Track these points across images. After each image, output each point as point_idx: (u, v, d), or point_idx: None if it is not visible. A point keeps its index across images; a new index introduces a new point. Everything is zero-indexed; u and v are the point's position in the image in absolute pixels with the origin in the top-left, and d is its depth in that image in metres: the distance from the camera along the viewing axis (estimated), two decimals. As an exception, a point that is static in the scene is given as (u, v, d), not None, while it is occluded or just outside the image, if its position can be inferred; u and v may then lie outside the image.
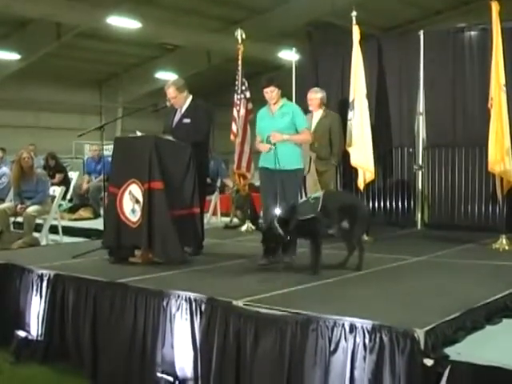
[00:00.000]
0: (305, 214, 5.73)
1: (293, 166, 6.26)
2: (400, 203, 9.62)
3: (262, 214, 6.74)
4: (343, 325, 3.88)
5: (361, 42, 8.44)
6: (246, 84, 9.45)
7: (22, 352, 5.72)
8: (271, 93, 6.36)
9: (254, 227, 9.43)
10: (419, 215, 9.45)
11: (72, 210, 12.27)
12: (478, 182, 8.83)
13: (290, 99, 9.80)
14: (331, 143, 8.40)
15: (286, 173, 6.22)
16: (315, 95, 8.49)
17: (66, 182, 12.48)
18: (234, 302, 4.51)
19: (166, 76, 20.46)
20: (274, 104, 6.42)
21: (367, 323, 3.81)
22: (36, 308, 5.82)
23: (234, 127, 9.34)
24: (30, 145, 13.90)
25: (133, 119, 12.16)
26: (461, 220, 9.03)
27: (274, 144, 6.29)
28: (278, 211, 6.30)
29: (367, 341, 3.76)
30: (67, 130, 21.02)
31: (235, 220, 10.41)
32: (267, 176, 6.44)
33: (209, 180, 9.26)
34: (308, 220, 5.71)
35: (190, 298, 4.72)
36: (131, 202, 6.42)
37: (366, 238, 6.75)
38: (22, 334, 5.82)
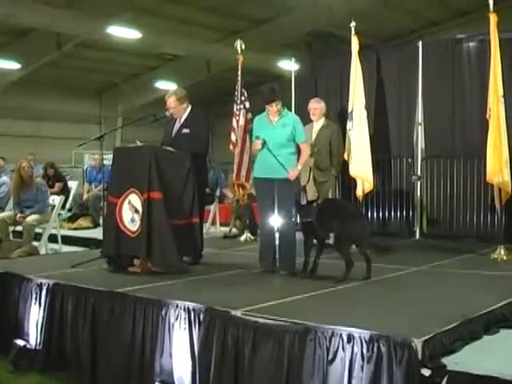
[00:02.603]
0: (306, 217, 6.13)
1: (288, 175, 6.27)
2: (398, 213, 9.65)
3: (259, 224, 6.76)
4: (341, 334, 3.89)
5: (359, 53, 8.49)
6: (246, 94, 9.47)
7: (21, 361, 5.71)
8: (276, 106, 6.35)
9: (252, 237, 9.44)
10: (418, 225, 9.46)
11: (71, 219, 12.28)
12: (477, 192, 8.84)
13: (289, 109, 9.86)
14: (331, 154, 8.42)
15: (282, 181, 6.23)
16: (318, 105, 8.52)
17: (65, 191, 12.47)
18: (233, 312, 4.52)
19: (166, 86, 20.48)
20: (275, 114, 6.43)
21: (365, 333, 3.82)
22: (35, 317, 5.82)
23: (233, 137, 9.36)
24: (29, 154, 13.92)
25: (132, 129, 12.15)
26: (459, 230, 9.05)
27: (264, 141, 6.31)
28: (276, 220, 6.35)
29: (365, 350, 3.77)
30: (67, 140, 20.98)
31: (234, 230, 10.42)
32: (263, 186, 6.44)
33: (208, 190, 9.28)
34: (306, 223, 6.17)
35: (188, 308, 4.73)
36: (130, 212, 6.43)
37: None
38: (20, 342, 5.81)
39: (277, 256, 6.40)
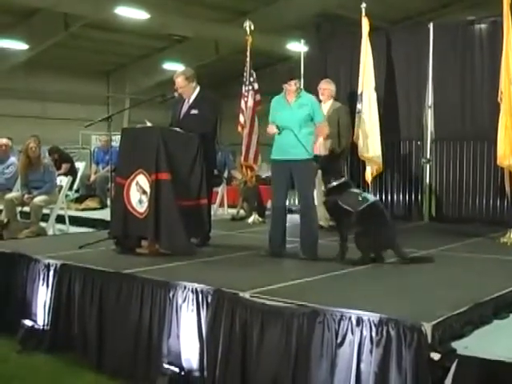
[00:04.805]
0: (345, 203, 5.89)
1: (306, 156, 6.20)
2: (407, 196, 9.61)
3: (270, 205, 6.71)
4: (350, 317, 3.87)
5: (370, 34, 8.42)
6: (254, 75, 9.42)
7: (29, 341, 5.72)
8: (295, 85, 6.25)
9: (260, 219, 9.42)
10: (426, 208, 9.42)
11: (79, 200, 12.30)
12: (486, 175, 8.79)
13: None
14: (339, 135, 8.37)
15: (299, 162, 6.16)
16: (329, 86, 8.47)
17: (72, 172, 12.47)
18: (241, 294, 4.51)
19: (174, 67, 20.37)
20: (293, 94, 6.33)
21: (374, 316, 3.79)
22: (42, 298, 5.83)
23: (241, 118, 9.34)
24: (31, 136, 13.83)
25: (140, 110, 12.10)
26: (468, 214, 9.01)
27: (280, 128, 6.25)
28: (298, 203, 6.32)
29: (374, 334, 3.75)
30: (74, 121, 20.97)
31: (242, 212, 10.40)
32: (279, 168, 6.34)
33: (216, 171, 9.25)
34: (343, 209, 5.89)
35: (196, 290, 4.71)
36: (138, 193, 6.41)
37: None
38: (28, 323, 5.83)
39: (287, 238, 6.40)
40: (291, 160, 6.19)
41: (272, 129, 6.26)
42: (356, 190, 6.23)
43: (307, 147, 6.19)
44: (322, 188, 6.53)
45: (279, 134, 6.21)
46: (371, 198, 6.13)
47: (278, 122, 6.25)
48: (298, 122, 6.19)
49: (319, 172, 6.72)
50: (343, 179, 6.13)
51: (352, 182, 6.43)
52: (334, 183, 6.06)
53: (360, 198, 5.94)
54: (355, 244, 5.85)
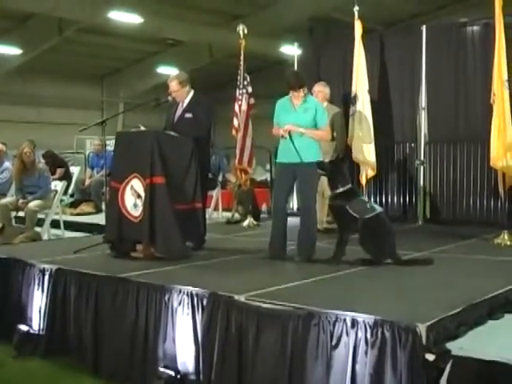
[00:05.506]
0: (353, 209, 5.92)
1: (311, 159, 6.20)
2: (401, 198, 9.63)
3: (266, 207, 6.72)
4: (345, 320, 3.88)
5: (363, 37, 8.46)
6: (248, 79, 9.42)
7: (24, 346, 5.71)
8: (303, 91, 6.28)
9: (255, 222, 9.42)
10: (421, 210, 9.44)
11: (74, 204, 12.27)
12: (480, 177, 8.83)
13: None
14: (333, 138, 8.38)
15: (303, 166, 6.17)
16: (324, 88, 8.46)
17: (67, 176, 12.44)
18: (236, 297, 4.51)
19: (168, 71, 20.38)
20: (300, 99, 6.33)
21: (369, 318, 3.80)
22: (38, 302, 5.82)
23: (235, 122, 9.34)
24: (26, 141, 13.80)
25: (134, 114, 12.14)
26: (462, 215, 9.04)
27: (289, 136, 6.25)
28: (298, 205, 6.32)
29: (369, 336, 3.76)
30: (68, 125, 20.96)
31: (237, 215, 10.40)
32: (284, 171, 6.37)
33: (210, 175, 9.25)
34: (350, 214, 5.92)
35: (191, 293, 4.72)
36: (133, 197, 6.41)
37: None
38: (23, 328, 5.82)
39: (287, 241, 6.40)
40: (296, 163, 6.21)
41: (278, 130, 6.28)
42: (364, 198, 6.33)
43: (311, 151, 6.21)
44: (329, 193, 6.55)
45: (285, 138, 6.23)
46: (378, 208, 6.17)
47: (283, 126, 6.27)
48: (302, 126, 6.21)
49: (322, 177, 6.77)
50: (349, 185, 6.15)
51: (357, 188, 6.47)
52: (341, 189, 6.08)
53: (368, 206, 6.03)
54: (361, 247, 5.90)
